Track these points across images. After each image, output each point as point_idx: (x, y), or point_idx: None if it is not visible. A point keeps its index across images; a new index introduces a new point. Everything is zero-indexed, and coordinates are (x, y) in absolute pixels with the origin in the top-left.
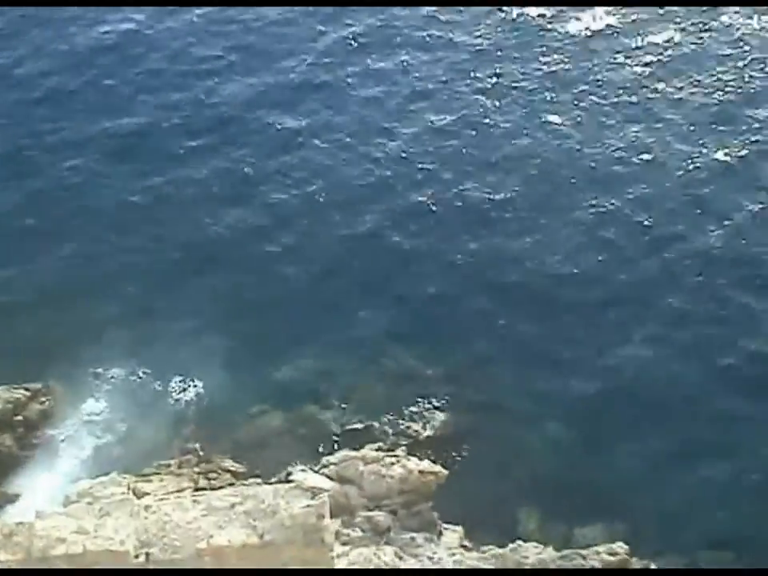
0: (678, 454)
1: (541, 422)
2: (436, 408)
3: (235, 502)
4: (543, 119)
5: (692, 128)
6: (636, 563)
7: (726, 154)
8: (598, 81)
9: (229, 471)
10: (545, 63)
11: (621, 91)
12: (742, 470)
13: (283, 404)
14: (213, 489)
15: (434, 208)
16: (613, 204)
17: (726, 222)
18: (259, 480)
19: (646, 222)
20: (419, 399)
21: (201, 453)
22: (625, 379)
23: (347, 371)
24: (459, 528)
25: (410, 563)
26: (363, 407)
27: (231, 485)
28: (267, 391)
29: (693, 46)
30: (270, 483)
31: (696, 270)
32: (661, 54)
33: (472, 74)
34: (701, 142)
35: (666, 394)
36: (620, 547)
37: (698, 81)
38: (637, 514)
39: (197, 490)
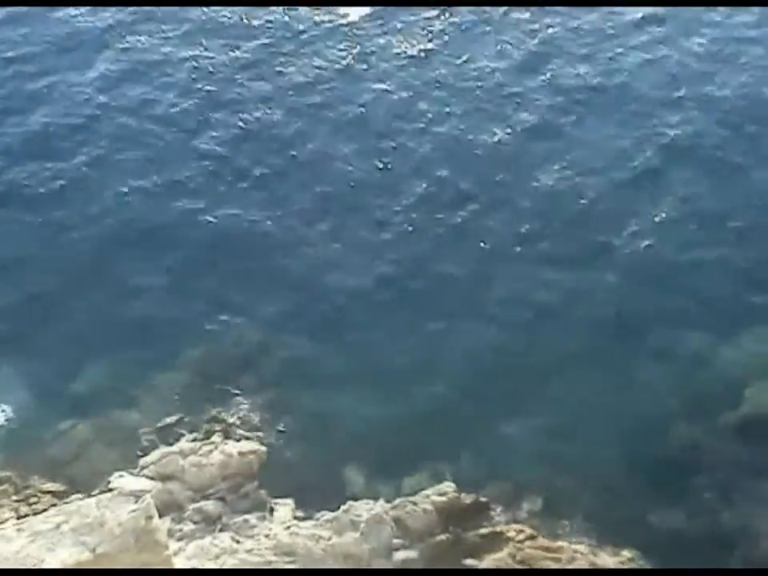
0: (489, 387)
1: (350, 383)
2: (243, 388)
3: (60, 522)
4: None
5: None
6: (465, 498)
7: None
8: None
9: (49, 492)
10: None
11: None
12: (558, 390)
13: (91, 414)
14: (36, 513)
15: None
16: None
17: None
18: (81, 495)
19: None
20: (224, 383)
21: (17, 480)
22: (430, 327)
23: (146, 368)
24: (290, 501)
25: (248, 545)
26: (171, 402)
27: (54, 506)
28: (72, 404)
29: None
30: (93, 496)
31: None
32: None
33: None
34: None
35: (480, 330)
36: (448, 486)
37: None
38: (459, 453)
39: (20, 518)
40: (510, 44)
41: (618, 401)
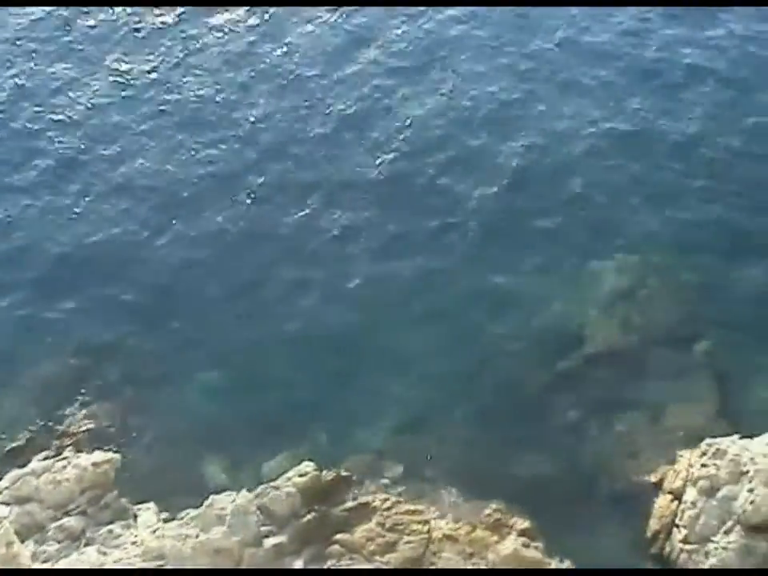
0: (334, 363)
1: (194, 378)
2: (89, 398)
3: None
4: None
5: None
6: (326, 475)
7: None
8: None
9: None
10: None
11: None
12: (403, 354)
13: None
14: None
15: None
16: None
17: None
18: None
19: None
20: (69, 396)
21: None
22: (272, 309)
23: None
24: (152, 504)
25: (115, 555)
26: (17, 423)
27: None
28: None
29: None
30: None
31: None
32: None
33: None
34: None
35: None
36: (307, 466)
37: None
38: (314, 432)
39: None
40: (327, 34)
41: (463, 356)
